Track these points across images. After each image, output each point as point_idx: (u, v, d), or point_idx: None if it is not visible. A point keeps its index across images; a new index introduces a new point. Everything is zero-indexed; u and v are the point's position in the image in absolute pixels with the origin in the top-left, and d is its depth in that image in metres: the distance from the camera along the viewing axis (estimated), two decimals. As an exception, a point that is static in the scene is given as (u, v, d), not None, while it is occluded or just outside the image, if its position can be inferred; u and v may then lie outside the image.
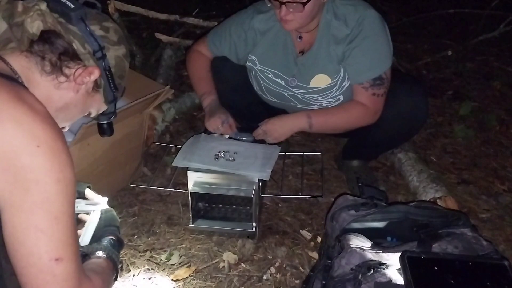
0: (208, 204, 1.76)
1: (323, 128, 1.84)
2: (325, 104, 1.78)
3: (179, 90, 2.60)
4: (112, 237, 1.13)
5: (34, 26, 0.91)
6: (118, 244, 1.14)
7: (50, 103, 0.95)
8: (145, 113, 1.82)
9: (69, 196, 0.85)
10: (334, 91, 1.74)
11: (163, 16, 3.00)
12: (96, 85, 1.01)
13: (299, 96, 1.80)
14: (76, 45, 0.95)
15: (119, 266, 1.11)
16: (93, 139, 1.60)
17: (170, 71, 2.81)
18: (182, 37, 3.10)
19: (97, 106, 1.07)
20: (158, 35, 2.88)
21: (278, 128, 1.75)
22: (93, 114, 1.10)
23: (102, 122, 1.19)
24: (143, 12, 2.93)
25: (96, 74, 0.98)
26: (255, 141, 1.78)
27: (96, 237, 1.13)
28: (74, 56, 0.95)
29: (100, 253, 1.07)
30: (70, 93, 0.98)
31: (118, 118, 1.64)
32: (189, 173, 1.62)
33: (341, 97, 1.75)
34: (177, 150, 1.77)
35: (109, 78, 1.02)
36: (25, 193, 0.81)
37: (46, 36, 0.93)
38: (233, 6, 3.76)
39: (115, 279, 1.10)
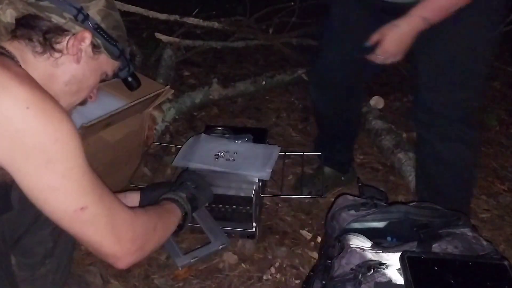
0: (208, 204, 1.75)
1: (442, 17, 1.51)
2: None
3: (179, 90, 2.59)
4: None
5: (7, 16, 0.90)
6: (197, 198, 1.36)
7: (56, 79, 0.95)
8: (145, 113, 1.82)
9: (73, 150, 0.85)
10: None
11: (163, 16, 3.00)
12: (95, 47, 0.98)
13: None
14: (55, 18, 0.92)
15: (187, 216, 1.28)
16: (93, 139, 1.61)
17: (170, 71, 2.81)
18: (182, 37, 3.10)
19: (109, 65, 1.04)
20: (158, 35, 2.88)
21: (397, 44, 1.51)
22: (110, 74, 1.07)
23: (124, 78, 1.13)
24: (143, 12, 2.93)
25: (87, 37, 0.95)
26: (255, 141, 1.78)
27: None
28: (58, 30, 0.93)
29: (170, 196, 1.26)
30: (72, 65, 0.96)
31: (118, 118, 1.66)
32: (189, 173, 1.62)
33: None
34: (177, 150, 1.77)
35: (103, 35, 0.98)
36: (26, 157, 0.81)
37: (23, 22, 0.91)
38: (233, 6, 3.78)
39: (180, 228, 1.25)
